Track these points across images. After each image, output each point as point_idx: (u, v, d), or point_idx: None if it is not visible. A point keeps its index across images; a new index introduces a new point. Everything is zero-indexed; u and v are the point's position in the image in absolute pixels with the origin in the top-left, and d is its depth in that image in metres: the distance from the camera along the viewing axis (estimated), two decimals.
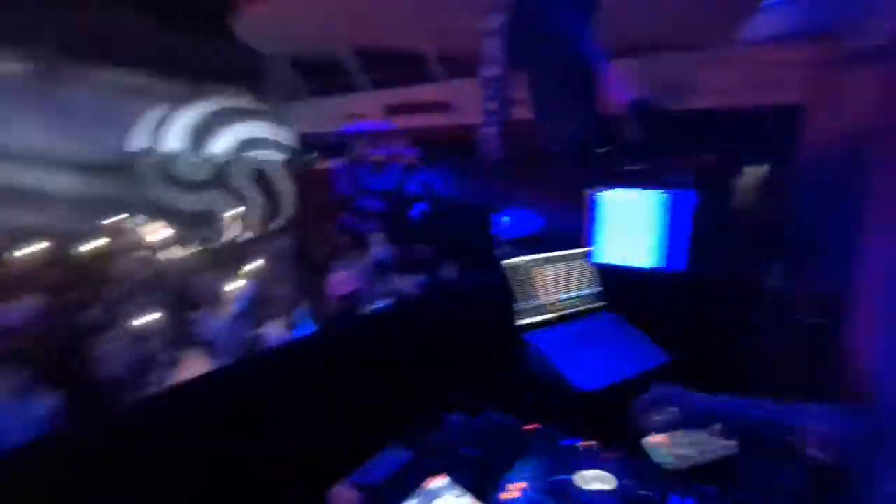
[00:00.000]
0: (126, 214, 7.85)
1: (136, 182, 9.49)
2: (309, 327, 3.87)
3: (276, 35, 11.41)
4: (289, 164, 12.11)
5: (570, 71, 3.39)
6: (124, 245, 5.91)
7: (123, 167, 9.66)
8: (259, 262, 5.05)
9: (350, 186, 9.21)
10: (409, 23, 9.65)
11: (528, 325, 1.68)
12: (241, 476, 1.01)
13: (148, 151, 10.05)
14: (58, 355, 3.11)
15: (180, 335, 3.57)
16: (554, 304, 1.74)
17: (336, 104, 12.32)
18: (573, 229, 2.38)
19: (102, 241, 6.02)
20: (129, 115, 10.42)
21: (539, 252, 1.77)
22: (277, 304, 4.04)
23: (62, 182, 9.16)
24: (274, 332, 3.72)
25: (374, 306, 4.13)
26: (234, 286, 4.25)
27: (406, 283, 4.43)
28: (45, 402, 2.75)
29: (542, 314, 1.72)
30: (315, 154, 13.01)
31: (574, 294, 1.79)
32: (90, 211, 8.40)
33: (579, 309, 1.79)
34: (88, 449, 0.93)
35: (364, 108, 11.83)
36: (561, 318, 1.74)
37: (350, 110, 12.10)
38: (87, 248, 5.88)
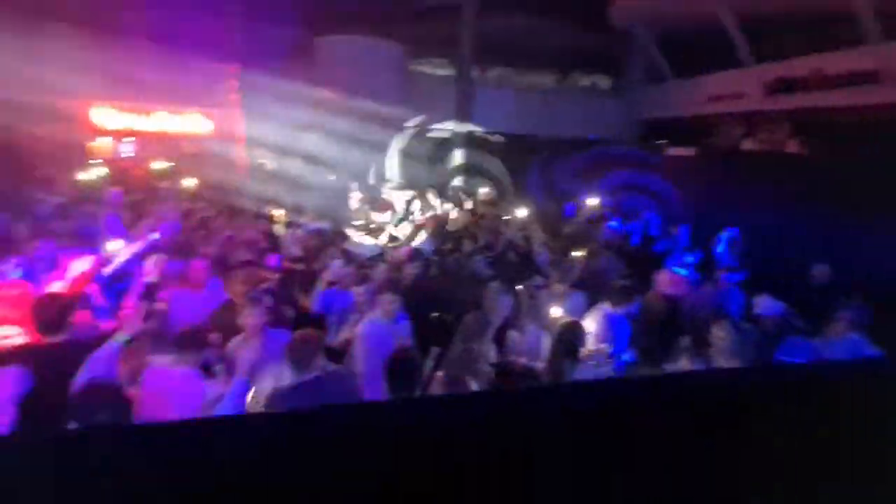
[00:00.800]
0: (487, 189, 9.36)
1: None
2: (624, 319, 3.67)
3: (651, 14, 10.87)
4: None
5: None
6: (488, 213, 7.03)
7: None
8: (591, 248, 5.06)
9: (707, 179, 7.99)
10: None
11: None
12: None
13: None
14: (432, 292, 3.99)
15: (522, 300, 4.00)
16: None
17: (702, 84, 10.89)
18: None
19: (472, 206, 7.44)
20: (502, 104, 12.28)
21: None
22: (604, 288, 3.94)
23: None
24: (601, 312, 3.67)
25: (709, 315, 3.48)
26: (567, 265, 4.40)
27: (768, 306, 3.47)
28: (405, 327, 3.51)
29: None
30: (664, 141, 12.04)
31: None
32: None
33: None
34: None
35: (738, 86, 9.98)
36: None
37: (718, 90, 10.48)
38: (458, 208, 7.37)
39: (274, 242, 5.13)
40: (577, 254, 4.65)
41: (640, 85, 12.75)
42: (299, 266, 4.33)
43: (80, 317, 2.61)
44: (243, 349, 2.15)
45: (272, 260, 4.19)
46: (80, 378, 2.01)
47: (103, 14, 8.73)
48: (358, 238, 5.43)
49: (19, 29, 8.41)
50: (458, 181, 10.68)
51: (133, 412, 2.11)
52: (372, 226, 6.16)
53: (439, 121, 11.11)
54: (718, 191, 6.76)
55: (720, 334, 2.65)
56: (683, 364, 2.79)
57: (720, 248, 5.42)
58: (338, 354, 2.84)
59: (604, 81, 14.17)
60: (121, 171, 9.34)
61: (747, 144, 8.69)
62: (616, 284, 3.97)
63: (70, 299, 2.58)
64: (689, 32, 10.55)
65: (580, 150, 10.33)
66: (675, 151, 10.11)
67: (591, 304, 3.85)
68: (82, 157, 9.57)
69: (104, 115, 9.99)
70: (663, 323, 3.96)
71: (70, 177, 7.53)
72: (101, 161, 9.65)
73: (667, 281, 4.41)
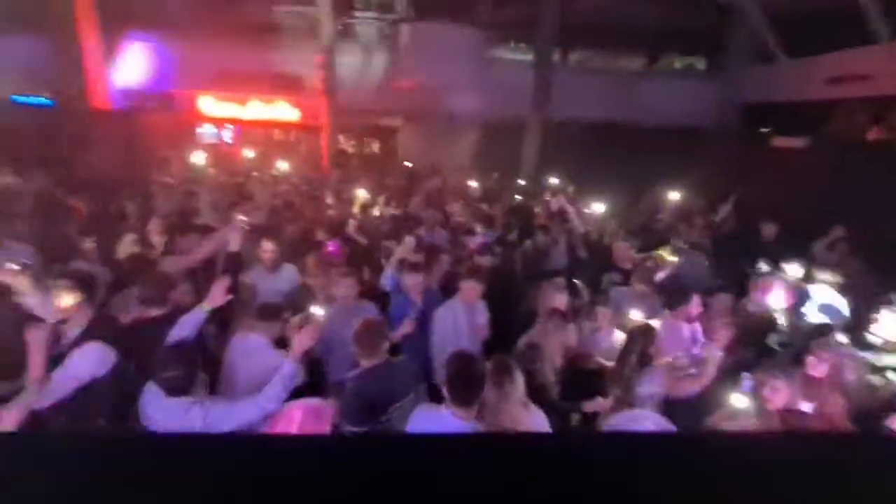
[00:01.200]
0: (563, 180, 8.94)
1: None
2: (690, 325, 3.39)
3: None
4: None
5: None
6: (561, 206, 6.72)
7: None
8: (674, 246, 4.68)
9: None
10: None
11: None
12: None
13: None
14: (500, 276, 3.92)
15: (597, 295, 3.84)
16: None
17: (819, 64, 9.55)
18: None
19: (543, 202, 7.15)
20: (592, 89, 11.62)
21: None
22: (692, 289, 3.66)
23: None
24: (665, 317, 3.44)
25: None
26: (649, 264, 4.12)
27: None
28: (483, 315, 3.48)
29: None
30: (769, 129, 10.77)
31: None
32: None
33: None
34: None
35: (867, 66, 8.60)
36: None
37: (841, 72, 9.11)
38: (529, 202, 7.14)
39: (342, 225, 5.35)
40: (659, 252, 4.33)
41: (742, 66, 11.46)
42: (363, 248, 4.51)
43: (182, 294, 2.88)
44: (299, 332, 2.31)
45: (331, 246, 4.35)
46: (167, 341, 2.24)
47: (207, 13, 9.53)
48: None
49: (141, 30, 9.47)
50: (533, 172, 10.39)
51: (210, 373, 2.31)
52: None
53: (516, 108, 10.79)
54: (838, 186, 5.95)
55: (846, 364, 2.27)
56: (760, 377, 2.50)
57: (821, 250, 4.82)
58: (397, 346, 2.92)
59: (700, 63, 12.97)
60: (221, 156, 10.23)
61: (874, 134, 7.49)
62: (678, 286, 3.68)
63: (173, 276, 2.84)
64: (806, 5, 9.24)
65: (670, 138, 9.57)
66: (782, 141, 9.01)
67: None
68: (190, 143, 10.63)
69: (208, 104, 10.96)
70: (759, 335, 3.59)
71: (180, 160, 8.34)
72: (204, 146, 10.66)
73: (764, 289, 3.98)
